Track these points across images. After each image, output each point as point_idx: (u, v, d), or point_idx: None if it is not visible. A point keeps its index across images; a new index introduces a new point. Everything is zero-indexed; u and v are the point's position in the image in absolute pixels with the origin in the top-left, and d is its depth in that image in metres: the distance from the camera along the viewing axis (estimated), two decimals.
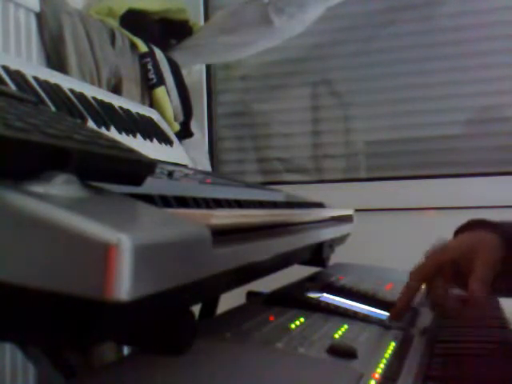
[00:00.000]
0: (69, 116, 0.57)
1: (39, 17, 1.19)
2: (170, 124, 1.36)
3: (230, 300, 0.69)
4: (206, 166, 1.65)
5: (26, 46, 1.17)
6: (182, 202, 0.45)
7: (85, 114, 0.89)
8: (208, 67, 1.95)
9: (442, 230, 0.92)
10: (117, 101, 1.07)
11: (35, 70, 0.88)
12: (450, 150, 1.73)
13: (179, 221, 0.34)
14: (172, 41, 1.70)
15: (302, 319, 0.60)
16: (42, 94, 0.82)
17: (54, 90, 0.87)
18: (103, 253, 0.24)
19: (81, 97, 0.93)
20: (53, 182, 0.28)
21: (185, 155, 1.18)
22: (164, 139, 1.13)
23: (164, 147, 1.11)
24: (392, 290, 0.86)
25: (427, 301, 0.70)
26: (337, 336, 0.56)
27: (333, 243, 0.92)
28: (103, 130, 0.90)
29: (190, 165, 1.15)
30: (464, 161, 1.71)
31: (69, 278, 0.24)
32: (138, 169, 0.36)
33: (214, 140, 1.96)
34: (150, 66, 1.48)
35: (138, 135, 1.02)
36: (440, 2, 1.74)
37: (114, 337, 0.38)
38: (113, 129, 0.94)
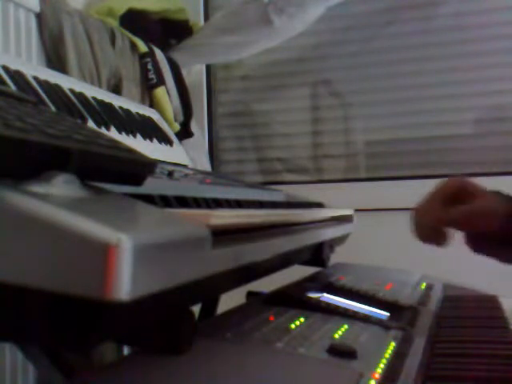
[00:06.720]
0: (69, 116, 0.57)
1: (39, 17, 1.19)
2: (169, 124, 1.36)
3: (230, 300, 0.69)
4: (205, 165, 1.65)
5: (25, 46, 1.17)
6: (182, 201, 0.45)
7: (85, 114, 0.89)
8: (208, 67, 1.95)
9: None
10: (117, 101, 1.07)
11: (35, 70, 0.88)
12: (450, 149, 1.73)
13: (179, 221, 0.34)
14: (172, 41, 1.70)
15: (302, 319, 0.60)
16: (42, 94, 0.82)
17: (54, 90, 0.87)
18: (103, 253, 0.24)
19: (81, 97, 0.93)
20: (53, 182, 0.28)
21: (185, 155, 1.18)
22: (164, 139, 1.13)
23: (164, 147, 1.11)
24: (392, 289, 0.86)
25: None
26: (337, 336, 0.56)
27: (333, 243, 0.92)
28: (103, 130, 0.90)
29: (190, 165, 1.15)
30: (464, 161, 1.71)
31: (69, 277, 0.24)
32: (138, 169, 0.36)
33: (214, 140, 1.96)
34: (150, 66, 1.48)
35: (138, 135, 1.02)
36: (440, 1, 1.74)
37: (114, 337, 0.38)
38: (113, 129, 0.94)
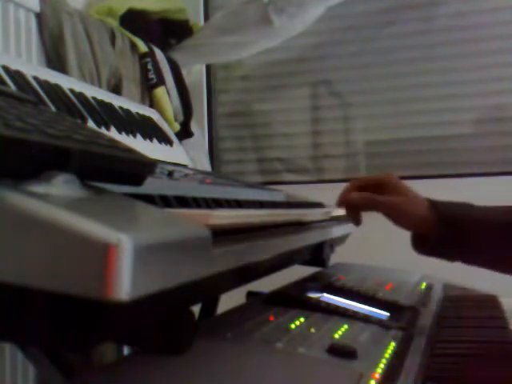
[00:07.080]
0: (69, 116, 0.57)
1: (39, 17, 1.19)
2: (169, 124, 1.36)
3: (230, 300, 0.69)
4: (205, 165, 1.65)
5: (25, 46, 1.16)
6: (182, 201, 0.45)
7: (85, 114, 0.89)
8: (208, 67, 1.95)
9: None
10: (117, 101, 1.07)
11: (35, 70, 0.88)
12: (450, 149, 1.73)
13: (179, 221, 0.34)
14: (172, 41, 1.70)
15: (301, 319, 0.60)
16: (42, 94, 0.82)
17: (54, 90, 0.87)
18: (103, 253, 0.24)
19: (81, 97, 0.93)
20: (53, 182, 0.28)
21: (185, 155, 1.18)
22: (164, 139, 1.13)
23: (164, 147, 1.11)
24: (392, 289, 0.86)
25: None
26: (337, 336, 0.56)
27: (333, 243, 0.92)
28: (103, 130, 0.90)
29: (190, 165, 1.15)
30: (464, 161, 1.71)
31: (69, 278, 0.24)
32: (138, 169, 0.36)
33: (214, 140, 1.96)
34: (150, 66, 1.48)
35: (138, 135, 1.02)
36: (440, 2, 1.74)
37: (114, 337, 0.38)
38: (113, 129, 0.94)
